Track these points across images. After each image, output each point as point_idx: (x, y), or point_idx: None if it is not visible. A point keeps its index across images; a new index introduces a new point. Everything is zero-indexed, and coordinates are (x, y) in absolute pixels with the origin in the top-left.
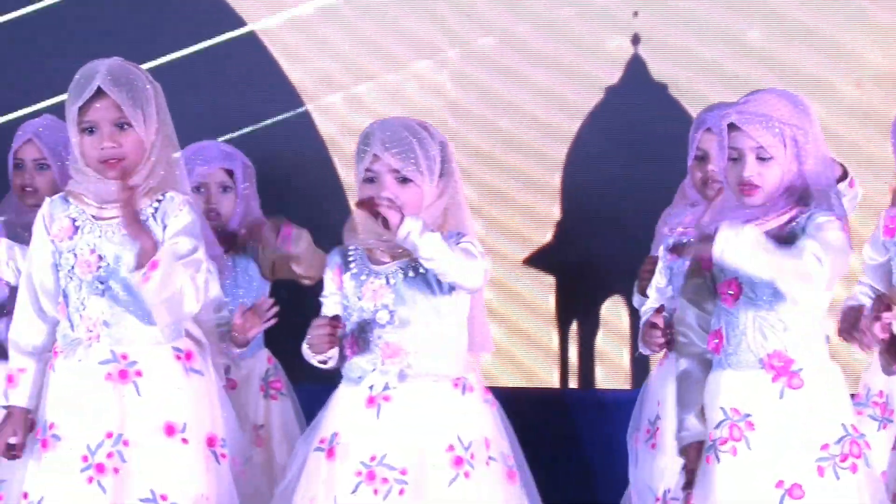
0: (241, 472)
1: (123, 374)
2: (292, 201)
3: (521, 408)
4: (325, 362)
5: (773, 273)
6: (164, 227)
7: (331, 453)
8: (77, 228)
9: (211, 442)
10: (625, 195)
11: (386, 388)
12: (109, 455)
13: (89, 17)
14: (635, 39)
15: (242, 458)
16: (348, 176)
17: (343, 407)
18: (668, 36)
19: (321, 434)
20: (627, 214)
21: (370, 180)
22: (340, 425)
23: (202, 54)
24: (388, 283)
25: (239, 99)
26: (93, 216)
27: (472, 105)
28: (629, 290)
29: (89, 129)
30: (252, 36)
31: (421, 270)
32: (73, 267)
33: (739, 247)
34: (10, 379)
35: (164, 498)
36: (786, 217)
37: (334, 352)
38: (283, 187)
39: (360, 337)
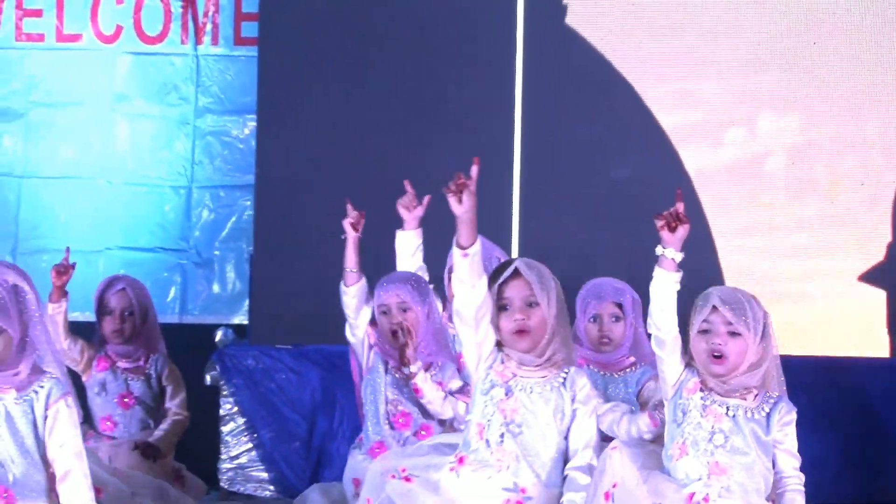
0: None
1: None
2: None
3: None
4: None
5: None
6: (573, 397)
7: None
8: (509, 389)
9: None
10: None
11: (706, 499)
12: None
13: None
14: None
15: None
16: None
17: (657, 489)
18: None
19: None
20: None
21: (706, 331)
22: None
23: None
24: (727, 413)
25: None
26: (517, 374)
27: None
28: None
29: (504, 307)
30: None
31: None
32: (496, 407)
33: None
34: None
35: None
36: None
37: None
38: None
39: (692, 445)
